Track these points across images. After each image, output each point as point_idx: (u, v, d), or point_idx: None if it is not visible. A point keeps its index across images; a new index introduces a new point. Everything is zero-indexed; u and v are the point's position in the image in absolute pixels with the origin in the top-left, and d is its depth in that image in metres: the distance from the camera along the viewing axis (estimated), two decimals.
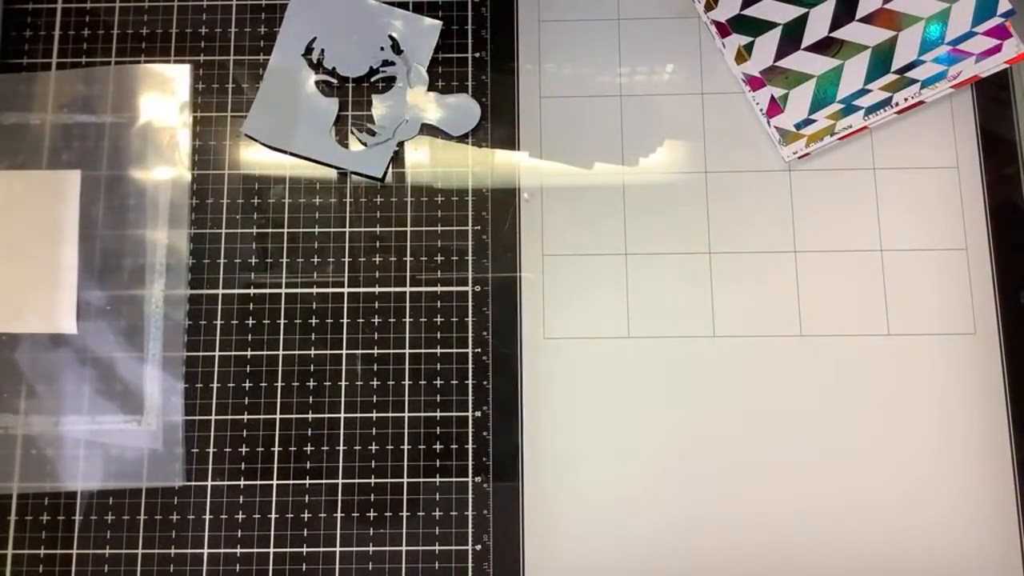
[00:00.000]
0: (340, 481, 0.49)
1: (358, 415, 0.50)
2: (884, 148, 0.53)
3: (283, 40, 0.54)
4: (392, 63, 0.54)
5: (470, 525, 0.49)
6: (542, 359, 0.51)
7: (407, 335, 0.51)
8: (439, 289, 0.52)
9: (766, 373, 0.50)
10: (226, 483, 0.50)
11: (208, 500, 0.49)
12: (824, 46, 0.52)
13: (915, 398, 0.50)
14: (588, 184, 0.53)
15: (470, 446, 0.50)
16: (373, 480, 0.49)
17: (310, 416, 0.50)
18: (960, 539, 0.48)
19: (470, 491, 0.49)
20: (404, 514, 0.49)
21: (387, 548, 0.49)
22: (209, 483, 0.50)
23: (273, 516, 0.49)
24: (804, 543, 0.48)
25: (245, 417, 0.50)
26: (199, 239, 0.52)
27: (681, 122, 0.54)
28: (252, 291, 0.52)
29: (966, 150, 0.53)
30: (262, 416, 0.50)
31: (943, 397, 0.50)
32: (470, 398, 0.50)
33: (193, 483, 0.50)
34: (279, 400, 0.50)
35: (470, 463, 0.50)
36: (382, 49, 0.54)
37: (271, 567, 0.49)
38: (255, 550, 0.49)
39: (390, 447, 0.50)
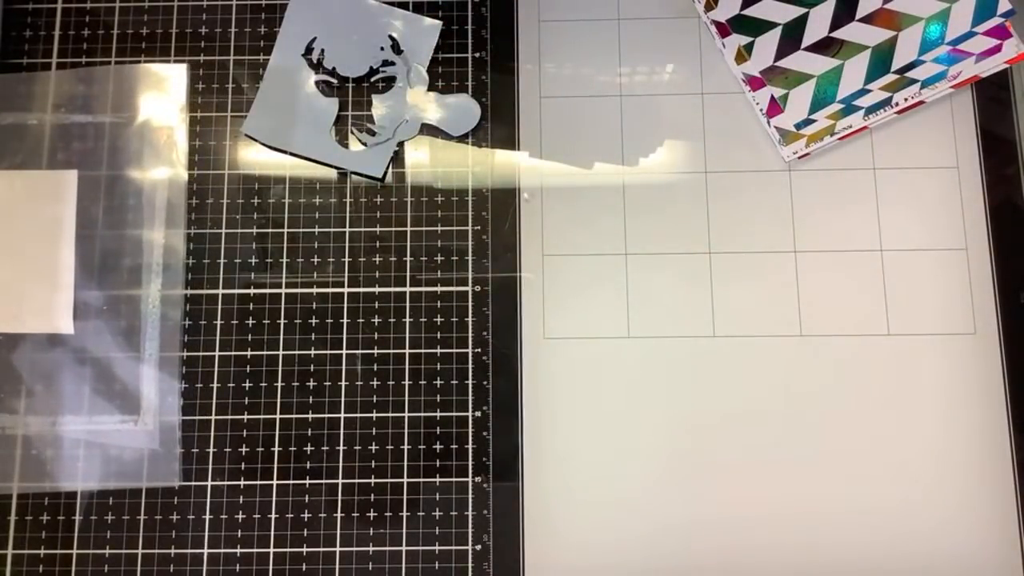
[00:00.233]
0: (340, 481, 0.49)
1: (358, 415, 0.50)
2: (884, 148, 0.53)
3: (283, 40, 0.54)
4: (392, 63, 0.54)
5: (470, 525, 0.49)
6: (542, 359, 0.51)
7: (407, 335, 0.51)
8: (439, 289, 0.52)
9: (766, 373, 0.50)
10: (226, 483, 0.50)
11: (208, 500, 0.49)
12: (824, 46, 0.52)
13: (915, 398, 0.50)
14: (588, 184, 0.53)
15: (470, 446, 0.50)
16: (373, 480, 0.49)
17: (310, 416, 0.50)
18: (960, 539, 0.48)
19: (470, 491, 0.49)
20: (404, 514, 0.49)
21: (387, 548, 0.49)
22: (209, 483, 0.50)
23: (273, 516, 0.49)
24: (804, 543, 0.48)
25: (245, 417, 0.50)
26: (199, 239, 0.52)
27: (681, 122, 0.54)
28: (252, 291, 0.52)
29: (966, 150, 0.53)
30: (262, 416, 0.50)
31: (943, 397, 0.50)
32: (470, 398, 0.50)
33: (193, 483, 0.50)
34: (279, 400, 0.50)
35: (470, 463, 0.50)
36: (382, 49, 0.54)
37: (271, 567, 0.49)
38: (255, 550, 0.49)
39: (390, 447, 0.50)
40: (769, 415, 0.50)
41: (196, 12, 0.55)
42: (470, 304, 0.52)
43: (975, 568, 0.48)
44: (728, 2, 0.54)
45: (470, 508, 0.49)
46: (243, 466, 0.50)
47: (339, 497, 0.49)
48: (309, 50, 0.54)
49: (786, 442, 0.49)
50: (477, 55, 0.55)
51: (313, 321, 0.51)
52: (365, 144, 0.53)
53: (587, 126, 0.54)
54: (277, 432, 0.50)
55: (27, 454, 0.50)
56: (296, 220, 0.53)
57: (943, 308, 0.51)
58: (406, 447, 0.50)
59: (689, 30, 0.55)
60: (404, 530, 0.49)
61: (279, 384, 0.51)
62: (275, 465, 0.50)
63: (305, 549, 0.49)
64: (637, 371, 0.50)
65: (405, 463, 0.50)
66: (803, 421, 0.50)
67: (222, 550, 0.49)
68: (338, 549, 0.49)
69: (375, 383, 0.51)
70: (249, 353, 0.51)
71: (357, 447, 0.50)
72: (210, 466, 0.50)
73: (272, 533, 0.49)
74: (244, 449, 0.50)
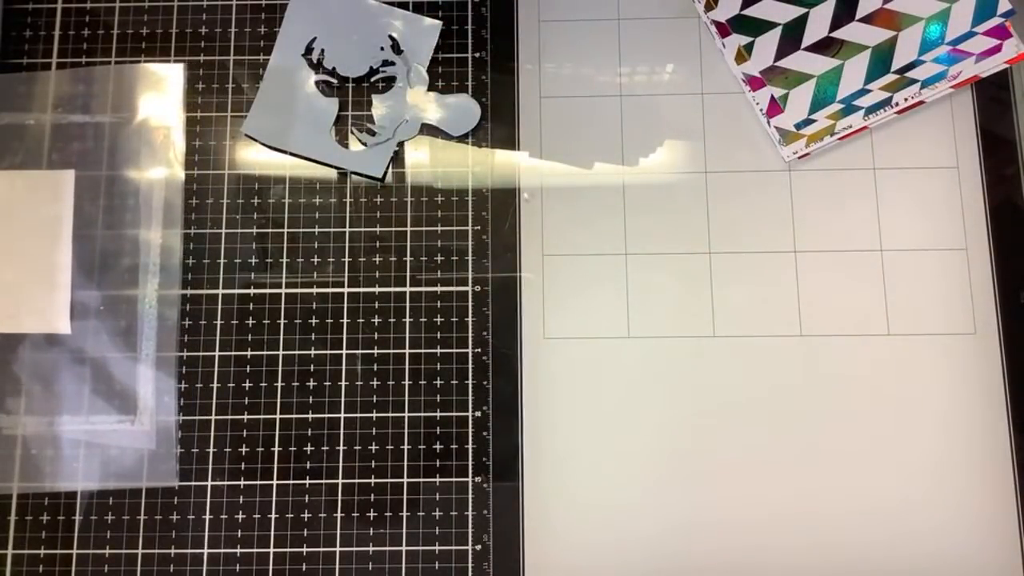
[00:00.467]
0: (340, 481, 0.49)
1: (358, 415, 0.50)
2: (884, 148, 0.53)
3: (283, 40, 0.54)
4: (392, 63, 0.54)
5: (470, 525, 0.49)
6: (542, 359, 0.51)
7: (407, 335, 0.51)
8: (439, 289, 0.52)
9: (766, 373, 0.50)
10: (226, 483, 0.50)
11: (208, 500, 0.49)
12: (824, 46, 0.52)
13: (915, 398, 0.50)
14: (588, 184, 0.53)
15: (470, 446, 0.50)
16: (373, 480, 0.49)
17: (310, 416, 0.50)
18: (960, 539, 0.48)
19: (470, 491, 0.49)
20: (404, 514, 0.49)
21: (387, 548, 0.49)
22: (209, 483, 0.50)
23: (273, 516, 0.49)
24: (803, 543, 0.48)
25: (245, 417, 0.50)
26: (199, 239, 0.52)
27: (681, 122, 0.54)
28: (252, 291, 0.52)
29: (966, 150, 0.53)
30: (262, 416, 0.50)
31: (943, 397, 0.50)
32: (470, 398, 0.50)
33: (193, 483, 0.50)
34: (279, 400, 0.50)
35: (470, 463, 0.50)
36: (382, 49, 0.54)
37: (271, 567, 0.49)
38: (255, 550, 0.49)
39: (390, 447, 0.50)
40: (769, 415, 0.50)
41: (196, 12, 0.55)
42: (470, 304, 0.52)
43: (975, 568, 0.48)
44: (728, 2, 0.54)
45: (470, 508, 0.49)
46: (243, 466, 0.50)
47: (339, 497, 0.49)
48: (309, 50, 0.54)
49: (786, 442, 0.49)
50: (477, 55, 0.55)
51: (313, 321, 0.51)
52: (365, 144, 0.53)
53: (587, 126, 0.54)
54: (277, 432, 0.50)
55: (26, 454, 0.50)
56: (296, 220, 0.53)
57: (943, 308, 0.51)
58: (406, 447, 0.50)
59: (689, 30, 0.55)
60: (404, 530, 0.49)
61: (279, 384, 0.51)
62: (275, 465, 0.50)
63: (305, 549, 0.49)
64: (637, 371, 0.50)
65: (405, 463, 0.50)
66: (803, 421, 0.50)
67: (222, 550, 0.49)
68: (338, 549, 0.49)
69: (375, 383, 0.51)
70: (249, 353, 0.51)
71: (357, 447, 0.50)
72: (210, 466, 0.50)
73: (272, 533, 0.49)
74: (244, 449, 0.50)
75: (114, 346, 0.51)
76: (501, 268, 0.52)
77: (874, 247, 0.52)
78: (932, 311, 0.51)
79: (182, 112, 0.54)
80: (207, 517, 0.49)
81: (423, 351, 0.51)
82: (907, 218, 0.52)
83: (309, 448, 0.50)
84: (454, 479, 0.49)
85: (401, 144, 0.53)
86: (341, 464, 0.50)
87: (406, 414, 0.50)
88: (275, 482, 0.50)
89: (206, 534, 0.49)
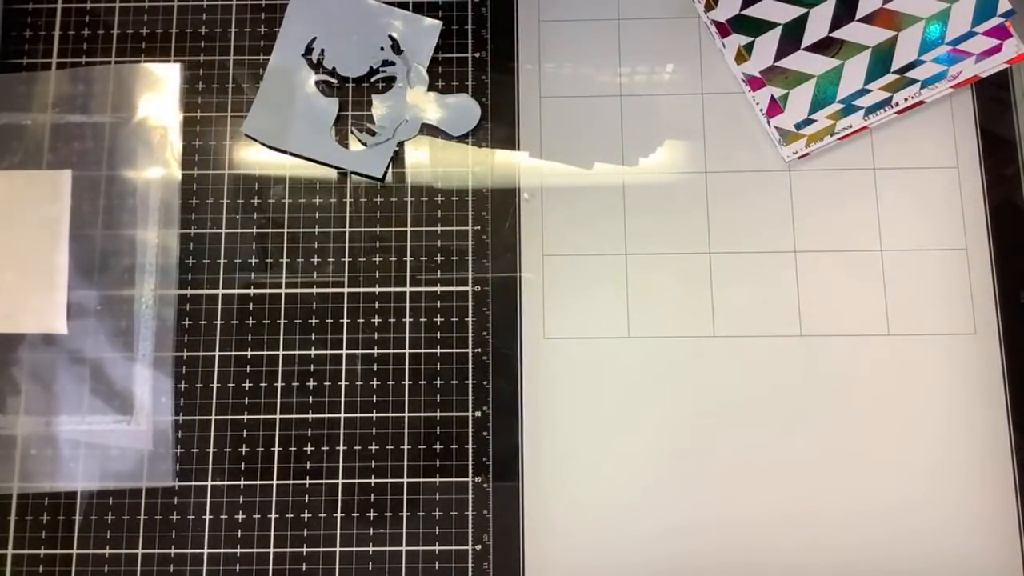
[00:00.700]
0: (340, 481, 0.49)
1: (358, 415, 0.50)
2: (884, 148, 0.53)
3: (283, 40, 0.54)
4: (392, 63, 0.54)
5: (470, 525, 0.49)
6: (542, 359, 0.51)
7: (407, 335, 0.51)
8: (439, 289, 0.52)
9: (766, 373, 0.50)
10: (226, 483, 0.50)
11: (208, 500, 0.49)
12: (824, 46, 0.52)
13: (915, 398, 0.50)
14: (588, 184, 0.53)
15: (470, 446, 0.50)
16: (373, 480, 0.49)
17: (310, 416, 0.50)
18: (960, 539, 0.48)
19: (470, 491, 0.49)
20: (404, 514, 0.49)
21: (387, 548, 0.49)
22: (209, 483, 0.50)
23: (273, 516, 0.49)
24: (803, 543, 0.48)
25: (245, 417, 0.50)
26: (199, 239, 0.52)
27: (681, 122, 0.54)
28: (252, 291, 0.52)
29: (966, 150, 0.53)
30: (262, 416, 0.50)
31: (943, 397, 0.50)
32: (470, 398, 0.50)
33: (193, 483, 0.50)
34: (279, 400, 0.50)
35: (470, 463, 0.50)
36: (382, 49, 0.54)
37: (271, 567, 0.49)
38: (255, 550, 0.49)
39: (390, 447, 0.50)
40: (769, 415, 0.50)
41: (196, 12, 0.55)
42: (470, 304, 0.52)
43: (975, 568, 0.48)
44: (728, 2, 0.54)
45: (470, 508, 0.49)
46: (243, 466, 0.50)
47: (339, 497, 0.49)
48: (309, 50, 0.54)
49: (786, 442, 0.49)
50: (477, 55, 0.55)
51: (313, 321, 0.51)
52: (365, 144, 0.53)
53: (587, 126, 0.54)
54: (277, 432, 0.50)
55: (25, 454, 0.50)
56: (296, 220, 0.53)
57: (943, 308, 0.51)
58: (406, 447, 0.50)
59: (689, 30, 0.55)
60: (404, 530, 0.49)
61: (279, 384, 0.51)
62: (275, 465, 0.50)
63: (305, 549, 0.49)
64: (637, 371, 0.50)
65: (405, 463, 0.50)
66: (803, 421, 0.50)
67: (222, 550, 0.49)
68: (338, 549, 0.49)
69: (375, 383, 0.51)
70: (249, 353, 0.51)
71: (357, 447, 0.50)
72: (210, 466, 0.50)
73: (272, 533, 0.49)
74: (244, 449, 0.50)
75: (111, 346, 0.51)
76: (501, 268, 0.52)
77: (874, 247, 0.52)
78: (932, 311, 0.51)
79: (179, 112, 0.54)
80: (207, 517, 0.49)
81: (423, 351, 0.51)
82: (907, 218, 0.52)
83: (309, 448, 0.50)
84: (454, 479, 0.49)
85: (401, 144, 0.53)
86: (341, 464, 0.50)
87: (406, 414, 0.50)
88: (275, 482, 0.50)
89: (206, 534, 0.49)
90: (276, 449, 0.50)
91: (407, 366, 0.51)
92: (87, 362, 0.51)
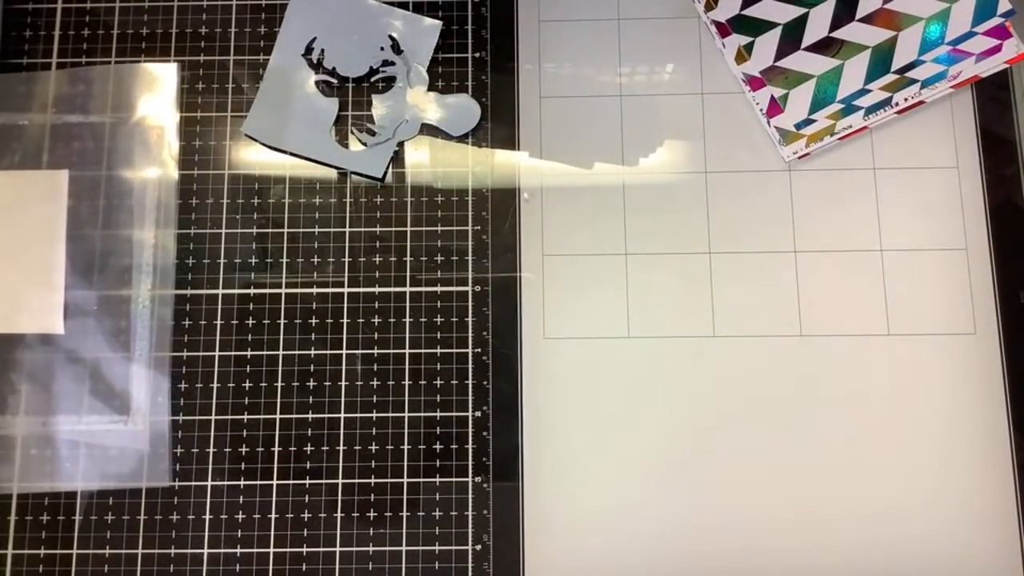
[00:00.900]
0: (340, 481, 0.49)
1: (358, 415, 0.50)
2: (884, 148, 0.53)
3: (283, 40, 0.54)
4: (392, 63, 0.54)
5: (470, 525, 0.49)
6: (542, 359, 0.51)
7: (407, 335, 0.51)
8: (439, 289, 0.52)
9: (766, 373, 0.50)
10: (226, 483, 0.50)
11: (208, 500, 0.49)
12: (824, 46, 0.52)
13: (915, 398, 0.50)
14: (588, 184, 0.53)
15: (470, 446, 0.50)
16: (373, 480, 0.49)
17: (310, 416, 0.50)
18: (960, 539, 0.48)
19: (470, 491, 0.49)
20: (404, 514, 0.49)
21: (387, 548, 0.49)
22: (209, 483, 0.50)
23: (273, 516, 0.49)
24: (803, 543, 0.48)
25: (245, 417, 0.50)
26: (199, 239, 0.52)
27: (681, 122, 0.54)
28: (252, 291, 0.52)
29: (966, 150, 0.53)
30: (262, 416, 0.50)
31: (943, 397, 0.50)
32: (470, 398, 0.50)
33: (193, 483, 0.50)
34: (279, 400, 0.50)
35: (470, 463, 0.50)
36: (382, 49, 0.54)
37: (271, 567, 0.49)
38: (255, 550, 0.49)
39: (390, 447, 0.50)
40: (768, 415, 0.50)
41: (196, 12, 0.55)
42: (470, 304, 0.52)
43: (975, 568, 0.48)
44: (728, 2, 0.54)
45: (470, 508, 0.49)
46: (243, 466, 0.50)
47: (339, 497, 0.49)
48: (309, 50, 0.54)
49: (785, 442, 0.49)
50: (477, 55, 0.55)
51: (313, 321, 0.51)
52: (365, 144, 0.53)
53: (587, 126, 0.54)
54: (277, 432, 0.50)
55: (25, 454, 0.50)
56: (296, 220, 0.53)
57: (943, 308, 0.51)
58: (406, 447, 0.50)
59: (689, 30, 0.55)
60: (404, 530, 0.49)
61: (279, 384, 0.51)
62: (275, 465, 0.50)
63: (305, 549, 0.49)
64: (637, 371, 0.50)
65: (405, 463, 0.50)
66: (803, 421, 0.50)
67: (222, 550, 0.49)
68: (338, 549, 0.49)
69: (375, 383, 0.51)
70: (249, 353, 0.51)
71: (357, 447, 0.50)
72: (210, 466, 0.50)
73: (272, 533, 0.49)
74: (244, 449, 0.50)
75: (108, 346, 0.51)
76: (501, 268, 0.52)
77: (874, 247, 0.52)
78: (932, 311, 0.51)
79: (176, 111, 0.54)
80: (207, 517, 0.49)
81: (423, 351, 0.51)
82: (907, 218, 0.52)
83: (309, 448, 0.50)
84: (454, 479, 0.49)
85: (401, 144, 0.53)
86: (341, 464, 0.50)
87: (406, 414, 0.50)
88: (275, 482, 0.50)
89: (206, 534, 0.49)
90: (276, 449, 0.50)
91: (407, 366, 0.51)
92: (84, 362, 0.51)
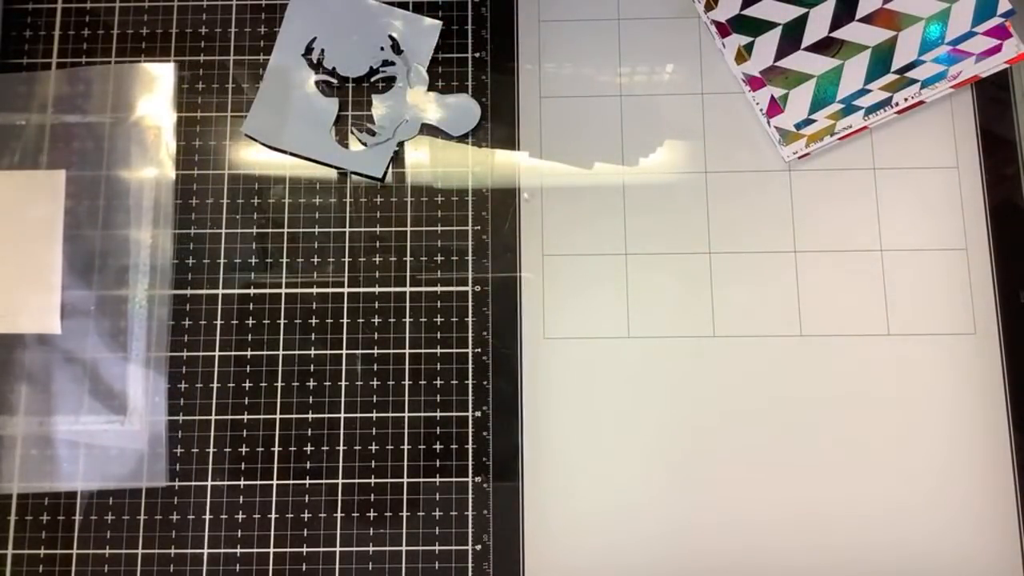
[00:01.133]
0: (340, 481, 0.49)
1: (358, 415, 0.50)
2: (884, 148, 0.53)
3: (283, 40, 0.54)
4: (392, 63, 0.54)
5: (470, 525, 0.49)
6: (542, 359, 0.51)
7: (407, 335, 0.51)
8: (439, 289, 0.52)
9: (766, 373, 0.50)
10: (226, 483, 0.50)
11: (208, 500, 0.49)
12: (824, 46, 0.52)
13: (915, 398, 0.50)
14: (588, 184, 0.53)
15: (470, 446, 0.50)
16: (373, 480, 0.49)
17: (310, 416, 0.50)
18: (959, 539, 0.48)
19: (470, 491, 0.49)
20: (404, 514, 0.49)
21: (387, 548, 0.49)
22: (209, 483, 0.50)
23: (273, 516, 0.49)
24: (802, 543, 0.48)
25: (245, 417, 0.50)
26: (199, 239, 0.52)
27: (681, 122, 0.54)
28: (252, 291, 0.52)
29: (966, 150, 0.53)
30: (262, 416, 0.50)
31: (943, 397, 0.50)
32: (470, 398, 0.50)
33: (193, 483, 0.50)
34: (279, 400, 0.50)
35: (470, 463, 0.50)
36: (382, 49, 0.54)
37: (271, 567, 0.49)
38: (255, 550, 0.49)
39: (390, 447, 0.50)
40: (768, 415, 0.50)
41: (196, 12, 0.55)
42: (470, 304, 0.52)
43: (975, 568, 0.48)
44: (728, 2, 0.54)
45: (470, 508, 0.49)
46: (243, 466, 0.50)
47: (339, 497, 0.49)
48: (309, 50, 0.54)
49: (785, 442, 0.49)
50: (477, 55, 0.55)
51: (313, 321, 0.51)
52: (365, 144, 0.53)
53: (587, 126, 0.54)
54: (277, 432, 0.50)
55: (24, 454, 0.50)
56: (296, 220, 0.53)
57: (943, 308, 0.51)
58: (406, 447, 0.50)
59: (689, 30, 0.55)
60: (404, 530, 0.49)
61: (279, 384, 0.51)
62: (275, 465, 0.50)
63: (305, 549, 0.49)
64: (637, 371, 0.50)
65: (405, 463, 0.50)
66: (802, 421, 0.50)
67: (222, 550, 0.49)
68: (338, 549, 0.49)
69: (375, 383, 0.51)
70: (249, 353, 0.51)
71: (357, 447, 0.50)
72: (210, 466, 0.50)
73: (272, 533, 0.49)
74: (244, 449, 0.50)
75: (105, 346, 0.51)
76: (501, 268, 0.52)
77: (874, 247, 0.52)
78: (932, 311, 0.51)
79: (173, 111, 0.54)
80: (207, 517, 0.49)
81: (423, 351, 0.51)
82: (907, 218, 0.52)
83: (309, 448, 0.50)
84: (454, 479, 0.49)
85: (401, 144, 0.53)
86: (341, 464, 0.50)
87: (406, 414, 0.50)
88: (275, 482, 0.50)
89: (206, 534, 0.49)
90: (276, 449, 0.50)
91: (407, 366, 0.51)
92: (81, 362, 0.51)
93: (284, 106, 0.54)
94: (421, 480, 0.49)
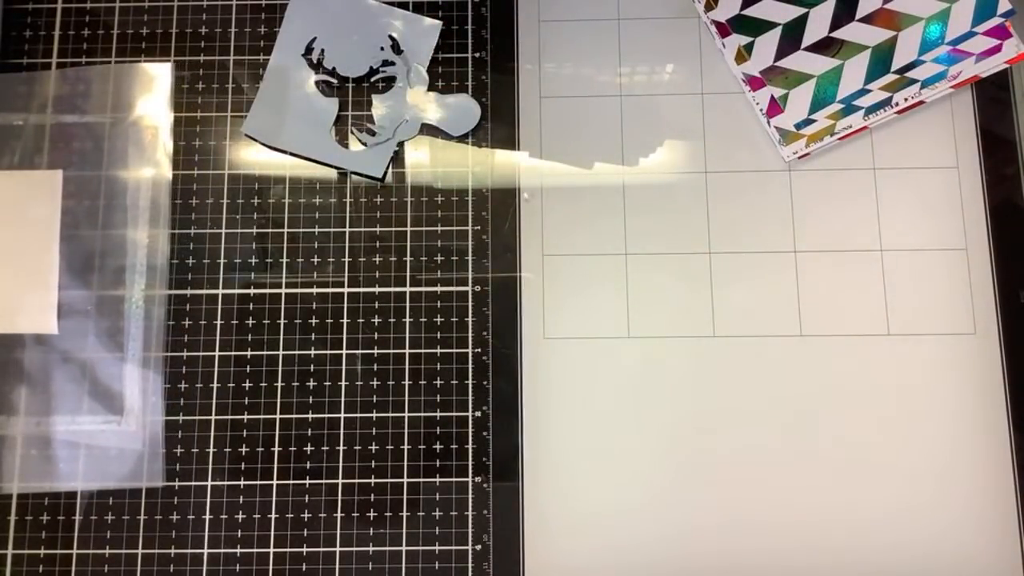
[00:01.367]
0: (340, 481, 0.49)
1: (358, 415, 0.50)
2: (884, 148, 0.53)
3: (283, 40, 0.54)
4: (392, 63, 0.54)
5: (470, 525, 0.49)
6: (542, 359, 0.51)
7: (407, 335, 0.51)
8: (439, 289, 0.52)
9: (766, 373, 0.50)
10: (226, 483, 0.50)
11: (208, 500, 0.49)
12: (824, 46, 0.52)
13: (915, 398, 0.50)
14: (588, 184, 0.53)
15: (470, 446, 0.50)
16: (373, 480, 0.49)
17: (310, 416, 0.50)
18: (959, 539, 0.48)
19: (470, 491, 0.49)
20: (404, 514, 0.49)
21: (387, 548, 0.49)
22: (209, 483, 0.50)
23: (273, 516, 0.49)
24: (802, 543, 0.48)
25: (244, 417, 0.50)
26: (199, 239, 0.52)
27: (681, 122, 0.54)
28: (252, 291, 0.52)
29: (966, 150, 0.53)
30: (261, 416, 0.50)
31: (943, 397, 0.50)
32: (470, 398, 0.50)
33: (193, 483, 0.50)
34: (279, 400, 0.50)
35: (470, 463, 0.50)
36: (382, 49, 0.54)
37: (271, 567, 0.49)
38: (255, 550, 0.49)
39: (390, 447, 0.50)
40: (768, 415, 0.50)
41: (196, 12, 0.55)
42: (470, 304, 0.52)
43: (975, 569, 0.48)
44: (728, 2, 0.54)
45: (470, 508, 0.49)
46: (243, 466, 0.50)
47: (339, 497, 0.49)
48: (309, 50, 0.54)
49: (786, 442, 0.49)
50: (477, 55, 0.55)
51: (313, 321, 0.51)
52: (365, 144, 0.53)
53: (587, 126, 0.54)
54: (277, 432, 0.50)
55: (24, 454, 0.50)
56: (296, 220, 0.53)
57: (943, 308, 0.51)
58: (406, 447, 0.50)
59: (689, 30, 0.55)
60: (404, 530, 0.49)
61: (279, 384, 0.51)
62: (275, 465, 0.50)
63: (305, 549, 0.49)
64: (637, 371, 0.50)
65: (405, 463, 0.50)
66: (803, 421, 0.50)
67: (222, 550, 0.49)
68: (338, 549, 0.49)
69: (375, 383, 0.51)
70: (249, 353, 0.51)
71: (357, 447, 0.50)
72: (210, 466, 0.50)
73: (272, 533, 0.49)
74: (243, 449, 0.50)
75: (102, 346, 0.51)
76: (501, 268, 0.52)
77: (874, 247, 0.52)
78: (932, 311, 0.51)
79: (170, 111, 0.54)
80: (207, 517, 0.49)
81: (423, 351, 0.51)
82: (907, 218, 0.52)
83: (309, 448, 0.50)
84: (454, 479, 0.49)
85: (401, 144, 0.53)
86: (341, 464, 0.50)
87: (406, 414, 0.50)
88: (275, 482, 0.49)
89: (206, 534, 0.49)
90: (276, 449, 0.50)
91: (407, 366, 0.51)
92: (77, 362, 0.51)
93: (284, 106, 0.54)
94: (421, 480, 0.49)
